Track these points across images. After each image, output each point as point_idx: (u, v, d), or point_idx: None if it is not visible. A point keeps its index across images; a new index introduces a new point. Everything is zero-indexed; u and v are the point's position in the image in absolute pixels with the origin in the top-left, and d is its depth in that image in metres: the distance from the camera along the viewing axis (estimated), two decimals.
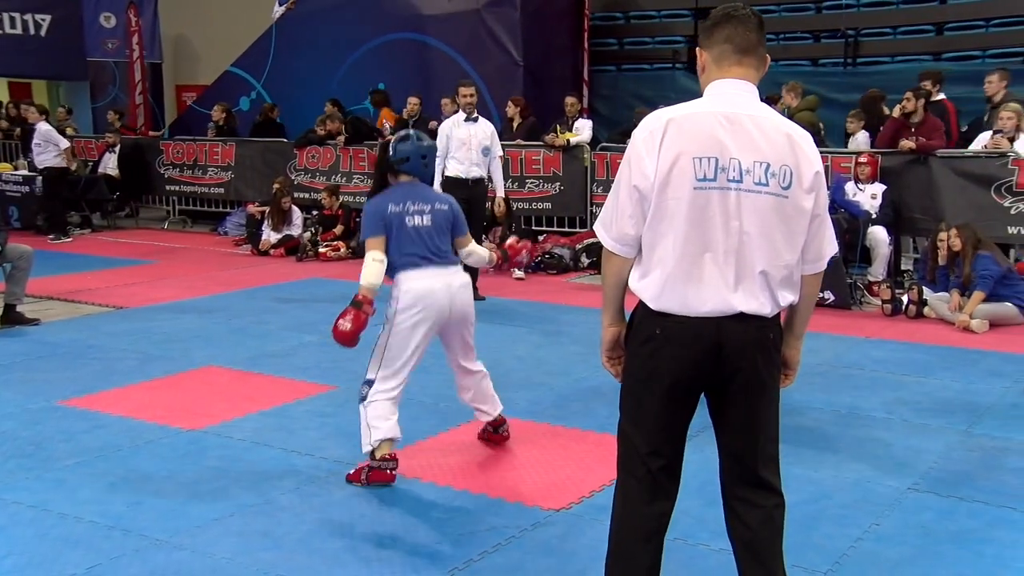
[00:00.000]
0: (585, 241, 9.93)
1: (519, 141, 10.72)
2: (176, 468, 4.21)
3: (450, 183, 7.74)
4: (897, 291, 7.65)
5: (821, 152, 2.77)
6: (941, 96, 9.11)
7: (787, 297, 2.49)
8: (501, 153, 8.49)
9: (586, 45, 12.51)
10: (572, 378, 5.66)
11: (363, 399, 4.01)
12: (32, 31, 15.07)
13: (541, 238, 10.23)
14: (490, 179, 8.26)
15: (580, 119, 10.74)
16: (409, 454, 4.37)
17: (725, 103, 2.43)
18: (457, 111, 8.33)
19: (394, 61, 12.40)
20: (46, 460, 4.29)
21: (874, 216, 8.08)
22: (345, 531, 3.55)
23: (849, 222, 7.85)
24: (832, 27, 11.82)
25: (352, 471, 4.08)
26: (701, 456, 4.37)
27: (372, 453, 3.97)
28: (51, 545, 3.45)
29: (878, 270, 8.06)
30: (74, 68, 14.99)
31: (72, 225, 12.21)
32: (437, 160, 8.45)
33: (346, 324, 3.84)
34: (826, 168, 8.67)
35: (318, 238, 10.46)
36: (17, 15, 14.90)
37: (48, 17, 15.14)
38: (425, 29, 12.20)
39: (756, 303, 2.42)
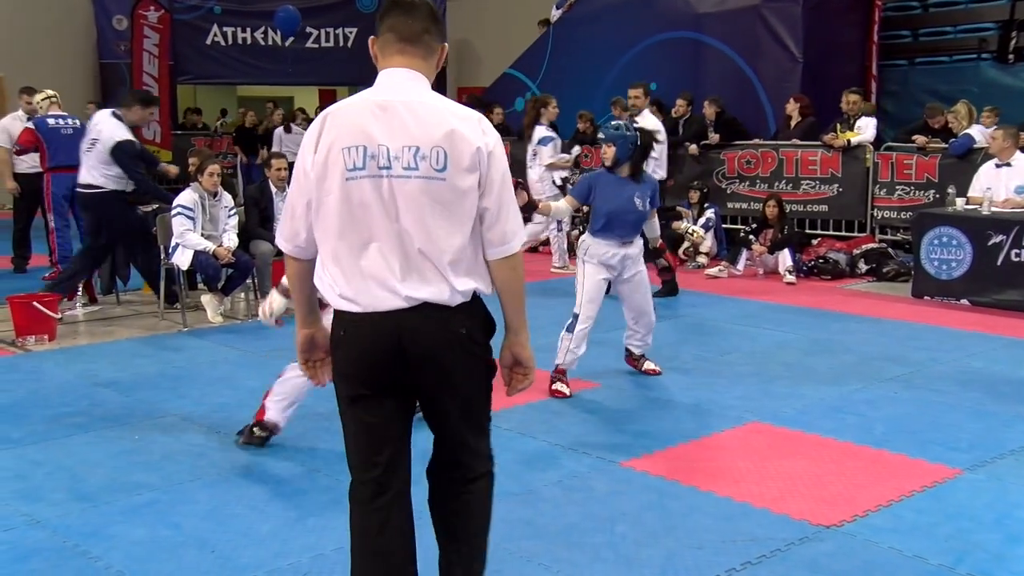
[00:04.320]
0: (863, 246, 9.35)
1: (795, 141, 10.29)
2: None
3: None
4: None
5: None
6: None
7: (467, 283, 2.39)
8: (656, 155, 8.09)
9: (875, 39, 11.74)
10: (845, 388, 5.34)
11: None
12: (341, 43, 17.05)
13: (815, 242, 9.76)
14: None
15: (863, 117, 10.09)
16: (670, 456, 4.34)
17: (382, 92, 2.45)
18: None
19: (667, 60, 12.31)
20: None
21: None
22: (605, 527, 3.57)
23: None
24: None
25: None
26: (1000, 485, 3.98)
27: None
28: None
29: None
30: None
31: None
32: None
33: None
34: None
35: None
36: (331, 30, 16.97)
37: (355, 30, 16.95)
38: (700, 27, 12.00)
39: (428, 291, 2.35)
